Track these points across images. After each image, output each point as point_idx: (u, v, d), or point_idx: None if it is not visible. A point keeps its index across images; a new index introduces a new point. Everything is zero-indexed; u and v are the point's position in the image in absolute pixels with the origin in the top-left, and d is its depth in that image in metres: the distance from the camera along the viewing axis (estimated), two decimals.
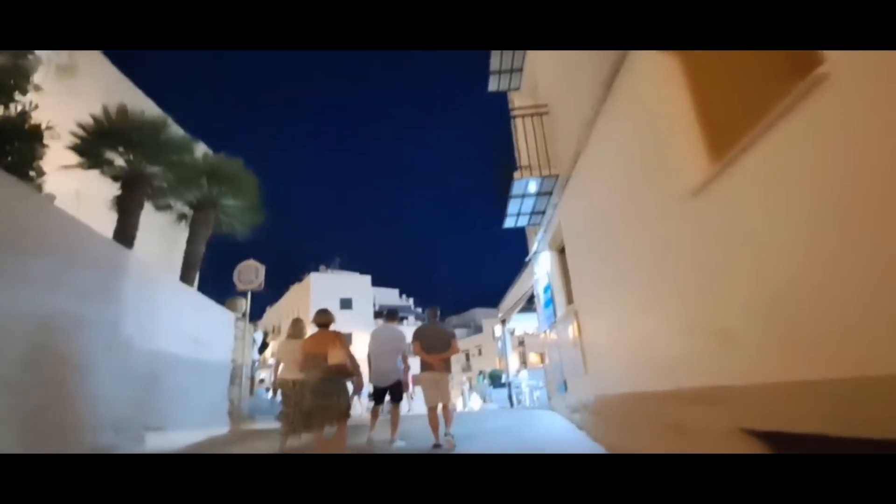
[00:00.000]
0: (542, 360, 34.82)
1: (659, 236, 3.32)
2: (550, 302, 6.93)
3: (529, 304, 10.32)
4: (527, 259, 8.17)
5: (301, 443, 4.76)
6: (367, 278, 37.53)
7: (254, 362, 10.02)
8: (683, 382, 3.02)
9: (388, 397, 5.55)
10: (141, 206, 6.65)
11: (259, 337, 10.33)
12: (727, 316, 2.52)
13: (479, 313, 42.73)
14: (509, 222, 7.18)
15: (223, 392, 6.58)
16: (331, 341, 4.23)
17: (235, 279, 7.22)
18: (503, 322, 11.23)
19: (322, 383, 4.08)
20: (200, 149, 9.66)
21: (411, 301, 43.48)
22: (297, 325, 5.59)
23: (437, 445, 4.94)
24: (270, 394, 13.87)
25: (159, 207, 7.95)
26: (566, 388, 6.47)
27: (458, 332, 34.48)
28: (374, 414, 5.68)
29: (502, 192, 6.84)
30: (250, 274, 7.25)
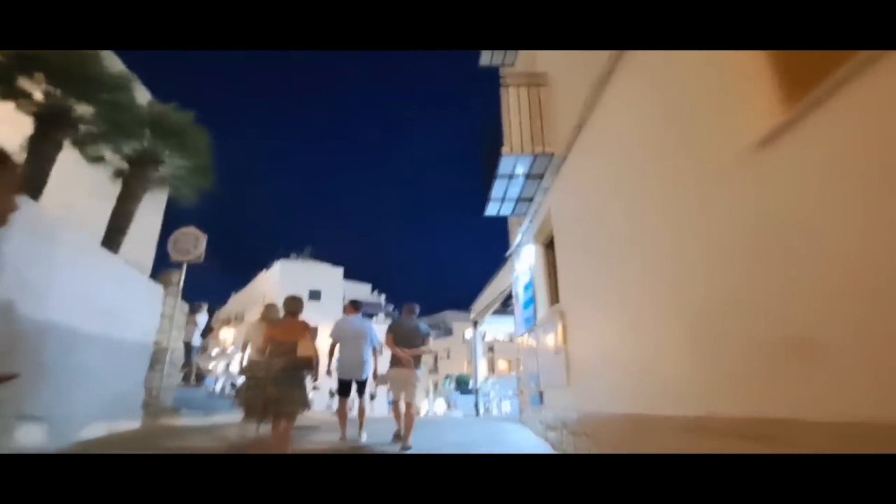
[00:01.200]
0: (512, 368, 34.21)
1: (688, 221, 2.55)
2: (531, 302, 6.15)
3: (505, 307, 9.55)
4: (507, 253, 7.38)
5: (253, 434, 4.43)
6: (339, 270, 36.25)
7: (192, 347, 8.89)
8: (715, 408, 2.25)
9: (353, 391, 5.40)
10: (58, 149, 5.54)
11: (203, 319, 9.19)
12: (796, 326, 1.76)
13: (449, 316, 41.91)
14: (492, 209, 6.36)
15: (139, 379, 5.52)
16: (300, 332, 4.18)
17: (170, 248, 6.18)
18: (475, 324, 10.41)
19: (284, 373, 4.00)
20: (145, 96, 8.51)
21: (383, 298, 42.33)
22: (271, 309, 5.50)
23: (398, 434, 5.08)
24: (218, 385, 12.63)
25: (91, 159, 6.81)
26: (541, 401, 5.69)
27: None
28: (343, 412, 5.46)
29: (486, 173, 6.03)
30: (188, 243, 6.21)
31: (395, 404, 5.19)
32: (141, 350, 5.56)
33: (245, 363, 5.32)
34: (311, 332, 4.25)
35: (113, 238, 6.22)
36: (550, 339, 5.18)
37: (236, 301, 40.52)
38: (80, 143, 6.26)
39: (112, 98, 5.86)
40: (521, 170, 5.46)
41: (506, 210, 6.42)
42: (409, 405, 5.04)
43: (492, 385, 9.50)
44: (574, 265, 4.66)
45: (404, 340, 5.22)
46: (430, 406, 21.21)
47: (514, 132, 5.24)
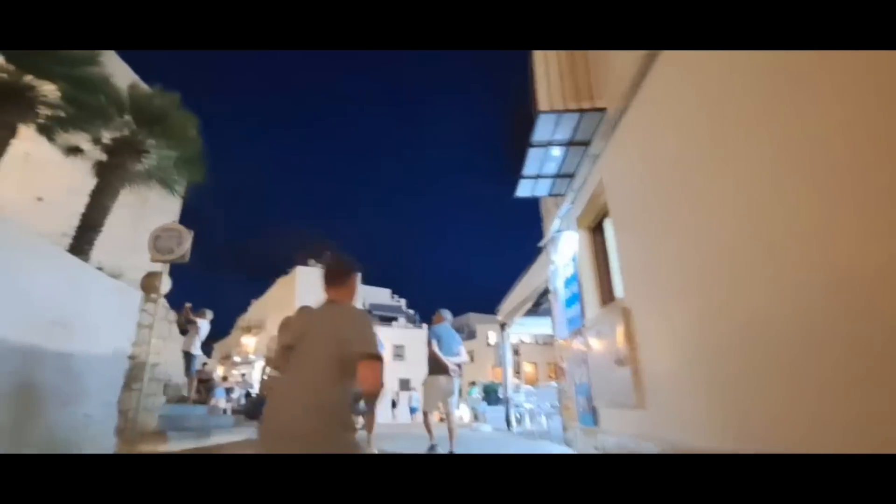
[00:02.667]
0: (539, 373, 32.93)
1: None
2: (576, 299, 5.04)
3: (537, 307, 8.44)
4: (541, 243, 6.28)
5: None
6: (357, 276, 35.56)
7: (192, 357, 8.05)
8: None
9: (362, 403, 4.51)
10: (10, 133, 4.74)
11: (206, 327, 8.34)
12: None
13: (473, 318, 40.79)
14: (524, 188, 5.29)
15: (110, 400, 4.63)
16: None
17: (150, 247, 5.32)
18: (503, 327, 9.31)
19: None
20: (127, 76, 7.73)
21: (403, 302, 41.48)
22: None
23: (433, 446, 4.69)
24: (235, 394, 11.84)
25: (67, 150, 6.04)
26: (595, 421, 4.58)
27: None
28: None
29: (517, 148, 4.97)
30: (170, 240, 5.34)
31: (426, 415, 4.92)
32: (111, 366, 4.67)
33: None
34: None
35: (85, 237, 5.39)
36: (608, 345, 4.08)
37: (257, 308, 40.29)
38: (46, 130, 5.46)
39: (78, 74, 5.04)
40: (562, 134, 4.38)
41: (541, 189, 5.33)
42: (449, 415, 4.85)
43: (526, 395, 8.38)
44: (642, 250, 3.55)
45: (446, 348, 4.82)
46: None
47: (552, 84, 4.16)
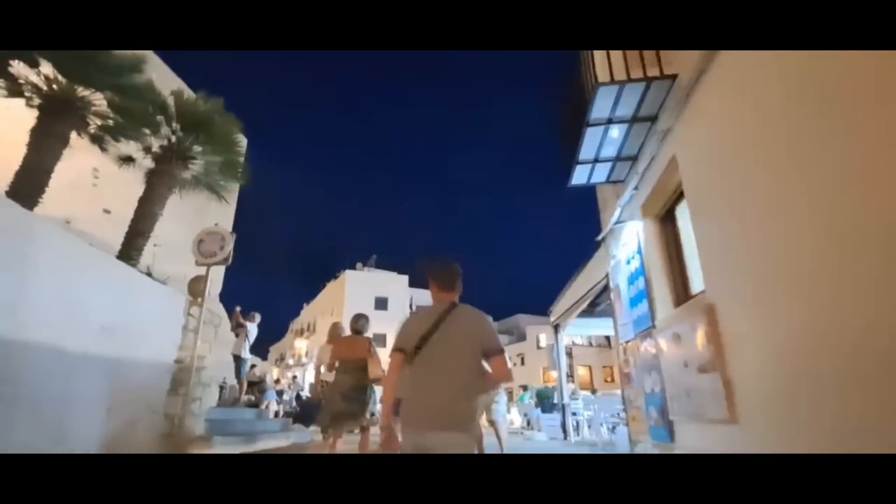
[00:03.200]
0: (610, 378, 31.51)
1: None
2: (642, 297, 4.47)
3: (593, 307, 7.82)
4: (599, 237, 5.71)
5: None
6: (405, 278, 35.80)
7: (242, 360, 8.10)
8: None
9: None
10: (63, 143, 4.83)
11: (255, 330, 8.39)
12: None
13: (522, 320, 39.92)
14: (579, 176, 4.78)
15: (154, 405, 4.59)
16: (365, 350, 4.46)
17: (194, 250, 5.30)
18: (556, 329, 8.73)
19: (354, 391, 4.31)
20: (171, 81, 7.91)
21: None
22: (336, 327, 5.52)
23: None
24: (286, 395, 11.97)
25: (120, 159, 6.20)
26: (671, 437, 3.99)
27: (502, 339, 31.89)
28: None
29: (571, 134, 4.49)
30: (213, 244, 5.29)
31: (494, 423, 4.85)
32: (156, 371, 4.63)
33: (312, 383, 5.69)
34: (374, 350, 4.54)
35: (133, 243, 5.45)
36: (687, 349, 3.51)
37: (308, 312, 41.54)
38: (98, 140, 5.58)
39: (123, 82, 5.09)
40: (623, 109, 3.86)
41: (598, 175, 4.81)
42: (495, 423, 4.82)
43: (584, 403, 7.75)
44: (730, 239, 2.98)
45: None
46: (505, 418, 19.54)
47: (612, 52, 3.66)
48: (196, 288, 5.68)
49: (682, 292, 4.03)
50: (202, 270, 5.46)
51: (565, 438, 8.00)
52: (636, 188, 4.50)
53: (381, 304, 33.13)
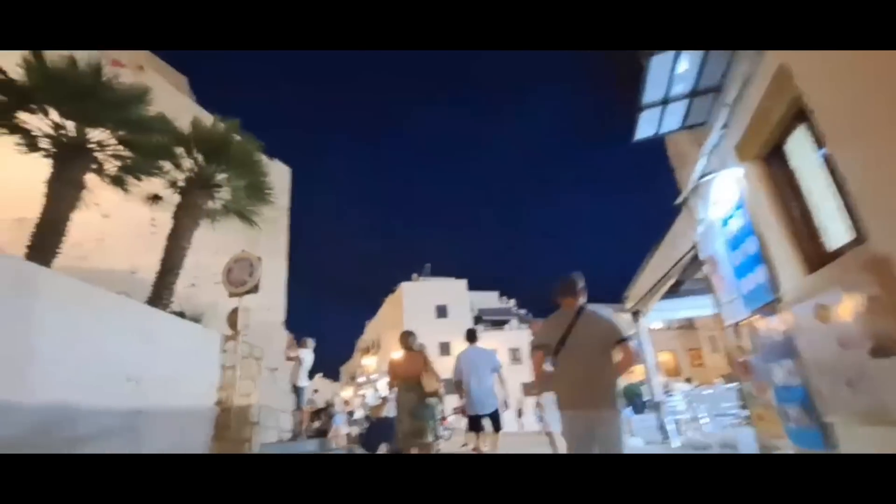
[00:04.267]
0: (678, 363, 29.28)
1: None
2: (755, 263, 3.44)
3: (675, 287, 6.69)
4: (678, 201, 4.68)
5: None
6: (463, 283, 35.15)
7: (300, 389, 7.73)
8: None
9: (485, 424, 5.06)
10: (78, 188, 4.61)
11: (309, 357, 8.02)
12: None
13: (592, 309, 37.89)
14: (646, 126, 3.85)
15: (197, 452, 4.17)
16: (421, 364, 4.52)
17: (223, 280, 4.92)
18: (635, 315, 7.64)
19: (419, 408, 4.41)
20: (188, 109, 7.73)
21: (513, 303, 40.11)
22: (405, 338, 4.96)
23: None
24: (342, 428, 11.65)
25: (147, 198, 6.03)
26: (827, 441, 2.95)
27: None
28: (477, 448, 5.14)
29: (628, 63, 3.59)
30: (242, 272, 4.89)
31: (550, 435, 4.37)
32: (195, 417, 4.23)
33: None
34: (429, 362, 4.58)
35: (164, 281, 5.16)
36: (845, 323, 2.50)
37: (372, 328, 42.01)
38: (117, 181, 5.38)
39: (127, 116, 4.82)
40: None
41: (671, 122, 3.85)
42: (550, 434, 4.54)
43: (685, 398, 6.54)
44: None
45: None
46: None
47: None
48: (234, 321, 5.31)
49: (814, 250, 3.00)
50: (261, 302, 5.13)
51: (665, 442, 6.89)
52: (725, 126, 3.49)
53: (442, 311, 32.69)
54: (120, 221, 14.67)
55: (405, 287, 34.09)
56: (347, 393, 32.04)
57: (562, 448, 4.31)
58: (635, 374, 9.27)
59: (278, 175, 27.44)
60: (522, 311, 38.52)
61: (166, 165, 5.69)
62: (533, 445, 5.21)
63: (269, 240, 26.03)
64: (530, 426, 20.47)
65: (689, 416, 6.50)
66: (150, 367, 3.84)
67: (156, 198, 6.08)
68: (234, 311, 5.35)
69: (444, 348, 28.96)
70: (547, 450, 4.23)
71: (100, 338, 3.51)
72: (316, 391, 12.29)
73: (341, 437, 11.23)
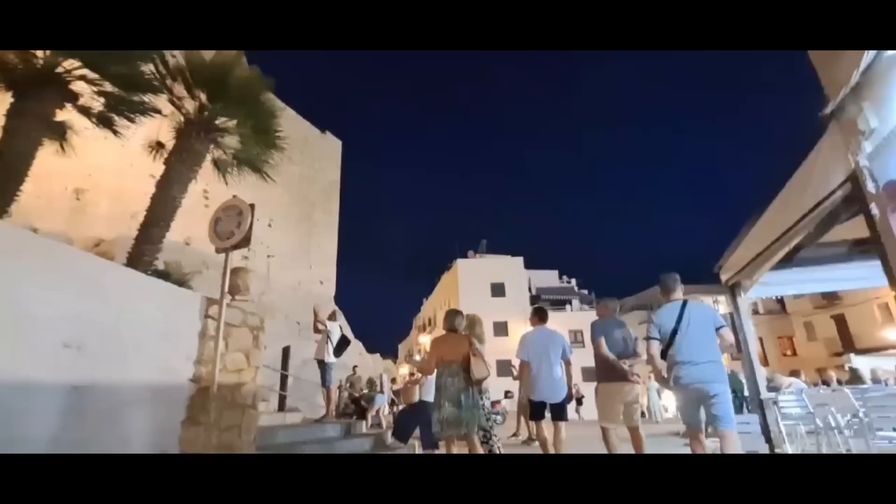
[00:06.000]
0: (790, 351, 26.51)
1: None
2: None
3: (793, 252, 4.99)
4: (827, 109, 3.10)
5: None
6: (520, 260, 33.60)
7: (326, 366, 6.98)
8: None
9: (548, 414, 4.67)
10: (44, 123, 3.94)
11: (337, 331, 7.25)
12: None
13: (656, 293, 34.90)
14: None
15: (160, 443, 3.38)
16: (466, 347, 4.11)
17: (209, 232, 4.08)
18: (733, 291, 5.99)
19: (466, 396, 3.96)
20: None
21: (573, 282, 37.98)
22: (453, 316, 4.41)
23: None
24: (381, 411, 10.90)
25: (150, 147, 5.37)
26: None
27: (638, 314, 27.85)
28: (542, 437, 4.67)
29: None
30: (230, 222, 4.02)
31: (606, 432, 4.27)
32: (160, 395, 3.43)
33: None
34: (476, 348, 4.16)
35: (148, 235, 4.43)
36: None
37: (428, 306, 41.80)
38: (104, 120, 4.70)
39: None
40: None
41: None
42: (635, 429, 4.26)
43: (806, 398, 4.88)
44: None
45: (616, 347, 4.31)
46: (657, 410, 16.49)
47: None
48: (236, 283, 4.50)
49: None
50: (323, 273, 4.27)
51: (772, 448, 5.32)
52: None
53: (498, 290, 31.47)
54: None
55: (461, 264, 33.18)
56: (404, 370, 32.06)
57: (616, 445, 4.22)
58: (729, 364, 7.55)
59: (330, 149, 27.15)
60: (584, 292, 36.29)
61: (166, 107, 4.95)
62: (596, 437, 4.55)
63: (321, 213, 25.86)
64: (589, 415, 18.98)
65: (812, 422, 4.88)
66: (97, 332, 3.06)
67: (159, 145, 5.39)
68: (235, 272, 4.54)
69: (500, 328, 27.82)
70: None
71: (30, 294, 2.75)
72: (356, 367, 11.69)
73: (382, 419, 10.55)
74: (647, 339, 3.52)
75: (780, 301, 27.87)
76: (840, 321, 24.09)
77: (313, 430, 5.81)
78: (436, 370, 4.23)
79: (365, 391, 11.35)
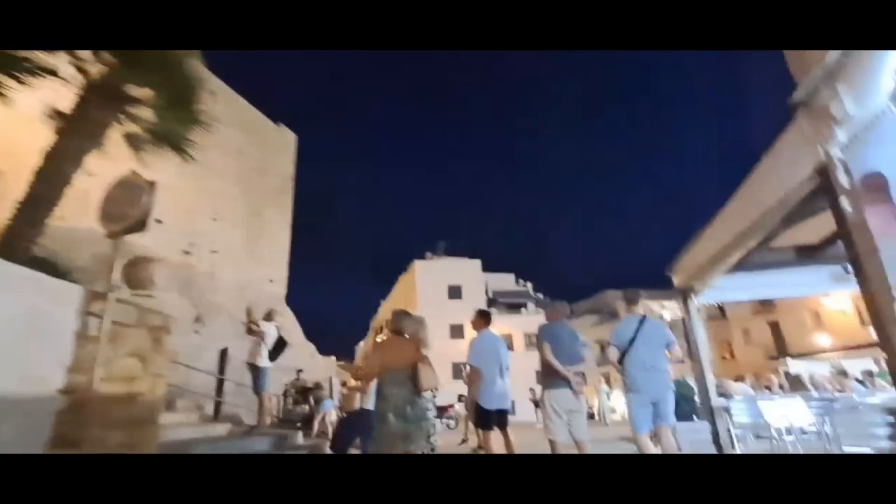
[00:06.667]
0: (729, 355, 27.88)
1: None
2: None
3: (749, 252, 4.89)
4: (798, 96, 2.91)
5: None
6: (477, 263, 33.55)
7: (260, 371, 6.31)
8: None
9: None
10: None
11: (273, 332, 6.58)
12: None
13: (611, 296, 35.83)
14: None
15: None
16: (413, 353, 3.74)
17: (99, 217, 3.38)
18: (685, 296, 5.87)
19: (410, 408, 3.57)
20: None
21: (529, 286, 38.37)
22: (398, 319, 3.95)
23: None
24: (328, 417, 10.22)
25: (48, 116, 4.56)
26: None
27: (589, 319, 28.38)
28: (489, 447, 4.51)
29: None
30: (123, 202, 3.35)
31: (553, 444, 4.14)
32: (22, 409, 2.74)
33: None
34: (423, 353, 3.79)
35: (27, 215, 3.68)
36: None
37: (385, 308, 40.95)
38: None
39: None
40: None
41: None
42: (582, 444, 4.13)
43: (747, 404, 4.75)
44: None
45: (565, 354, 4.06)
46: (604, 410, 16.65)
47: None
48: (136, 275, 3.83)
49: None
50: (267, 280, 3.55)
51: (721, 451, 5.19)
52: None
53: (455, 292, 31.24)
54: (106, 180, 13.52)
55: (418, 266, 32.71)
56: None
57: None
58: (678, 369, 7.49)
59: (284, 142, 25.95)
60: (540, 296, 36.71)
61: (67, 69, 4.20)
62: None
63: (274, 209, 24.53)
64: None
65: (766, 431, 4.77)
66: None
67: (58, 114, 4.58)
68: (134, 264, 3.85)
69: (457, 331, 27.54)
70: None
71: None
72: (300, 371, 10.91)
73: (328, 425, 9.84)
74: (609, 344, 4.02)
75: (721, 307, 29.28)
76: (775, 327, 25.53)
77: (238, 444, 5.16)
78: (378, 378, 3.78)
79: (315, 390, 10.54)
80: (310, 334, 21.52)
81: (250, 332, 6.43)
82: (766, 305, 25.79)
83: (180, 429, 5.36)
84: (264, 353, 6.28)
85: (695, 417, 6.69)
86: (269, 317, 6.65)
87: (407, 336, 3.95)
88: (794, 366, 12.68)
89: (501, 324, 29.54)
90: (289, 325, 19.35)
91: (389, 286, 39.55)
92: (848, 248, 2.63)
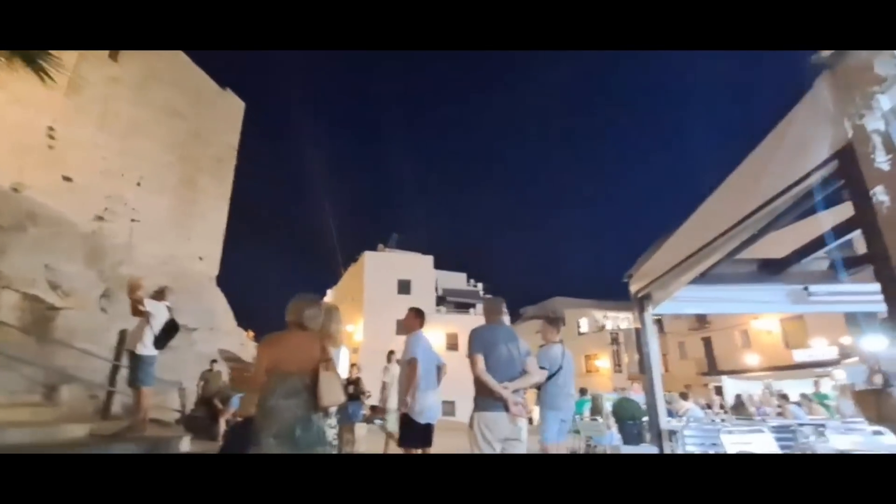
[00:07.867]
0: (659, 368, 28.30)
1: None
2: None
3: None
4: (823, 53, 2.30)
5: None
6: (429, 259, 32.77)
7: (141, 359, 5.15)
8: None
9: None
10: None
11: (163, 313, 5.41)
12: None
13: (559, 303, 36.24)
14: None
15: None
16: (316, 354, 2.75)
17: None
18: (641, 304, 5.33)
19: (303, 429, 2.61)
20: None
21: (480, 287, 38.11)
22: (302, 308, 2.92)
23: None
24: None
25: None
26: None
27: (534, 325, 28.33)
28: None
29: None
30: None
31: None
32: None
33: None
34: (329, 356, 2.78)
35: None
36: None
37: (332, 298, 39.33)
38: None
39: None
40: None
41: None
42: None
43: (702, 429, 4.26)
44: None
45: (502, 366, 3.12)
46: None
47: None
48: None
49: None
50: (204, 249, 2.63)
51: None
52: None
53: (405, 287, 30.28)
54: (4, 125, 11.47)
55: (368, 256, 31.46)
56: None
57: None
58: (594, 370, 7.00)
59: (230, 109, 23.89)
60: (489, 297, 36.62)
61: None
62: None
63: (211, 180, 22.42)
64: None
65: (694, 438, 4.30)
66: None
67: None
68: None
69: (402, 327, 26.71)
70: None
71: None
72: (214, 362, 9.63)
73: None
74: (540, 367, 3.72)
75: (659, 321, 30.24)
76: (707, 343, 26.55)
77: (97, 450, 4.04)
78: (265, 385, 2.72)
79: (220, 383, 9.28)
80: (247, 320, 19.88)
81: (136, 312, 5.26)
82: (701, 321, 26.78)
83: (27, 430, 4.21)
84: (148, 338, 5.13)
85: (647, 438, 6.19)
86: (160, 295, 5.48)
87: (310, 330, 2.91)
88: (728, 383, 12.87)
89: (449, 322, 28.94)
90: (219, 309, 17.66)
91: (337, 276, 37.99)
92: (872, 245, 2.02)
